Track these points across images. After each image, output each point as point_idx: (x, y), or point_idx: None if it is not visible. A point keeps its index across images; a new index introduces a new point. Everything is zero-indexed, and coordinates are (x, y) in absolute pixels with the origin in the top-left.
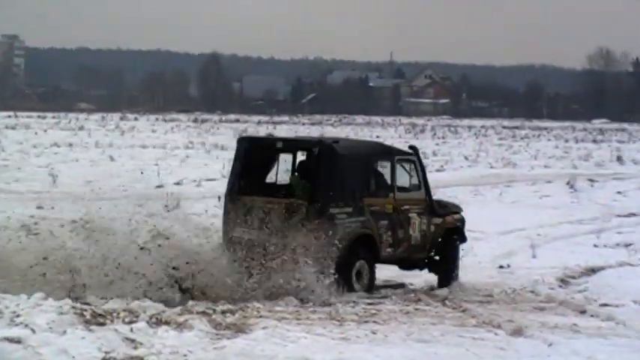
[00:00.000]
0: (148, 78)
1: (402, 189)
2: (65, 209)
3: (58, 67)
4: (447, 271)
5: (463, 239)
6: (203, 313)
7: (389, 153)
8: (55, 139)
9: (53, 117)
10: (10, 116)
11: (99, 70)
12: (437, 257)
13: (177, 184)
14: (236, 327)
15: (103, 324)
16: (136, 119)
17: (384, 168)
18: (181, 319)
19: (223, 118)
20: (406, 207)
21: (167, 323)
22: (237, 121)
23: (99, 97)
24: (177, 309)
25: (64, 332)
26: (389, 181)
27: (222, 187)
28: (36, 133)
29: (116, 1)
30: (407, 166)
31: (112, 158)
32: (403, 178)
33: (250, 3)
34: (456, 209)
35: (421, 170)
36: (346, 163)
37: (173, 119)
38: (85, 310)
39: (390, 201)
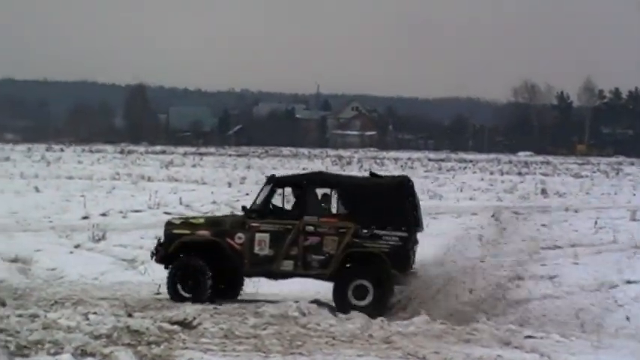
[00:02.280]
0: (74, 109)
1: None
2: None
3: None
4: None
5: None
6: (128, 344)
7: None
8: None
9: None
10: None
11: (25, 100)
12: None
13: (104, 215)
14: (161, 358)
15: (27, 356)
16: (62, 150)
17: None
18: (107, 350)
19: (149, 149)
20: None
21: (92, 355)
22: (164, 152)
23: (24, 128)
24: (103, 340)
25: None
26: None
27: (148, 218)
28: None
29: (42, 32)
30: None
31: (37, 189)
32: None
33: (177, 35)
34: None
35: None
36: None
37: (99, 150)
38: (10, 342)
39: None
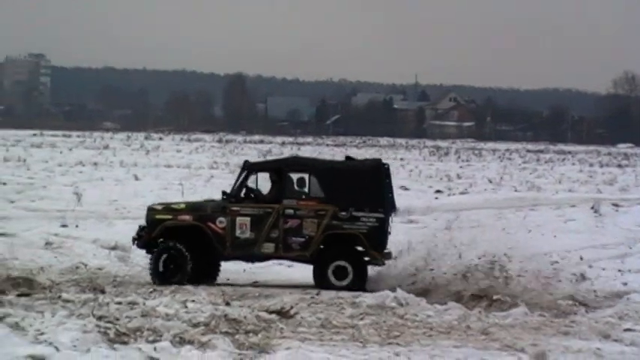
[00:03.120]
0: (173, 98)
1: None
2: (89, 227)
3: (83, 86)
4: None
5: None
6: (226, 332)
7: None
8: (80, 158)
9: (78, 136)
10: (35, 134)
11: (124, 89)
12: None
13: None
14: (259, 347)
15: (126, 343)
16: (160, 139)
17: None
18: (205, 338)
19: (247, 138)
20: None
21: (190, 342)
22: (262, 141)
23: (124, 117)
24: (201, 328)
25: (88, 350)
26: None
27: None
28: (61, 152)
29: (142, 21)
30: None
31: (136, 177)
32: None
33: (277, 24)
34: None
35: None
36: None
37: (197, 139)
38: (109, 329)
39: None
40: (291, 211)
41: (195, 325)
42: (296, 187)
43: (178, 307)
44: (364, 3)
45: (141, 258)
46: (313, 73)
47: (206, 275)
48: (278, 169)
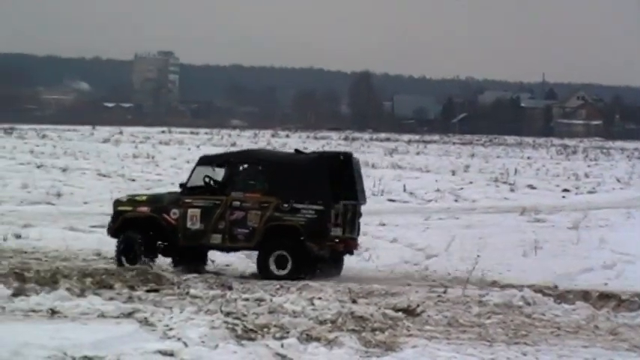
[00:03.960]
0: (300, 95)
1: None
2: None
3: (211, 83)
4: None
5: None
6: (353, 330)
7: None
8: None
9: (206, 133)
10: (164, 131)
11: (252, 87)
12: None
13: None
14: (386, 345)
15: (253, 339)
16: (287, 136)
17: None
18: (332, 335)
19: (374, 136)
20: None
21: (317, 339)
22: (388, 139)
23: (251, 114)
24: (328, 325)
25: (216, 346)
26: None
27: (372, 205)
28: (189, 149)
29: (269, 19)
30: None
31: None
32: None
33: (403, 22)
34: None
35: None
36: None
37: (324, 137)
38: (237, 325)
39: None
40: (237, 203)
41: (322, 323)
42: (243, 179)
43: (305, 304)
44: (492, 1)
45: None
46: (440, 71)
47: (193, 263)
48: (227, 162)
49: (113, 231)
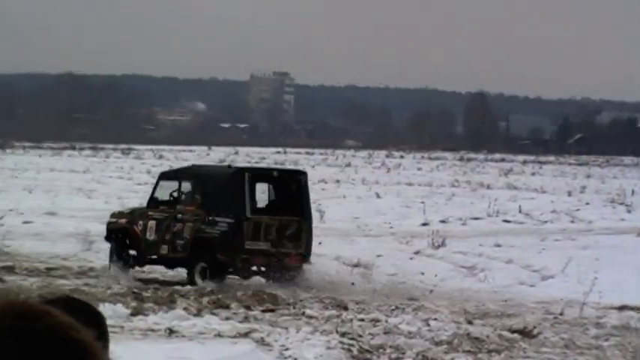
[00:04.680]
0: (415, 116)
1: None
2: (332, 245)
3: (326, 104)
4: None
5: None
6: (469, 351)
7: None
8: (322, 176)
9: (321, 153)
10: (279, 152)
11: (366, 107)
12: None
13: (443, 222)
14: None
15: (369, 359)
16: (401, 157)
17: None
18: (448, 357)
19: (489, 157)
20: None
21: None
22: (503, 160)
23: (365, 135)
24: (444, 346)
25: None
26: None
27: (487, 225)
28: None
29: (384, 41)
30: None
31: (378, 195)
32: None
33: (517, 43)
34: None
35: None
36: None
37: (438, 157)
38: (352, 345)
39: None
40: (180, 216)
41: (438, 344)
42: (186, 194)
43: (420, 324)
44: (606, 22)
45: (383, 276)
46: (555, 92)
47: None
48: (176, 177)
49: (105, 240)
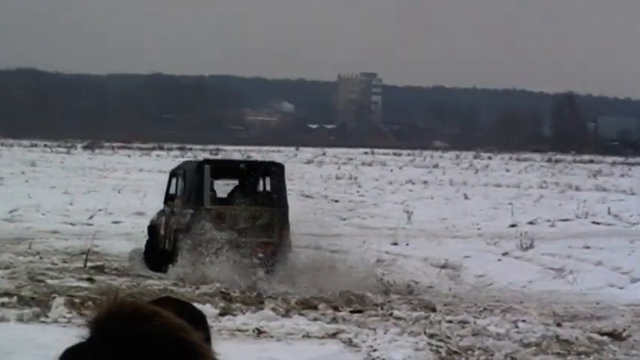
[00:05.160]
0: (503, 117)
1: None
2: (420, 246)
3: (413, 105)
4: None
5: None
6: (558, 354)
7: None
8: (409, 176)
9: (408, 154)
10: (366, 153)
11: (454, 108)
12: None
13: (531, 223)
14: None
15: None
16: (489, 158)
17: None
18: (536, 359)
19: (577, 158)
20: None
21: None
22: (591, 161)
23: (453, 135)
24: (532, 349)
25: None
26: None
27: (576, 227)
28: (391, 170)
29: (472, 41)
30: None
31: (465, 196)
32: None
33: (606, 45)
34: None
35: None
36: None
37: (526, 159)
38: (441, 347)
39: None
40: (173, 210)
41: (527, 346)
42: (179, 188)
43: (509, 326)
44: None
45: (471, 277)
46: None
47: None
48: (174, 173)
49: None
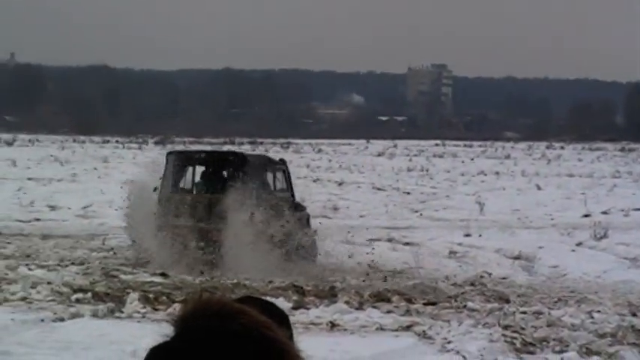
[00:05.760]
0: (575, 107)
1: None
2: (492, 237)
3: (484, 96)
4: None
5: None
6: (634, 344)
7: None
8: (481, 168)
9: (479, 146)
10: (437, 144)
11: (525, 98)
12: None
13: (605, 213)
14: None
15: (532, 352)
16: (562, 148)
17: None
18: (612, 349)
19: None
20: None
21: (598, 353)
22: None
23: (525, 126)
24: (608, 339)
25: None
26: None
27: None
28: (463, 162)
29: (541, 30)
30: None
31: (538, 187)
32: None
33: None
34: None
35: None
36: None
37: (599, 148)
38: (516, 339)
39: None
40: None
41: (602, 336)
42: None
43: (584, 317)
44: None
45: (545, 268)
46: None
47: None
48: None
49: None
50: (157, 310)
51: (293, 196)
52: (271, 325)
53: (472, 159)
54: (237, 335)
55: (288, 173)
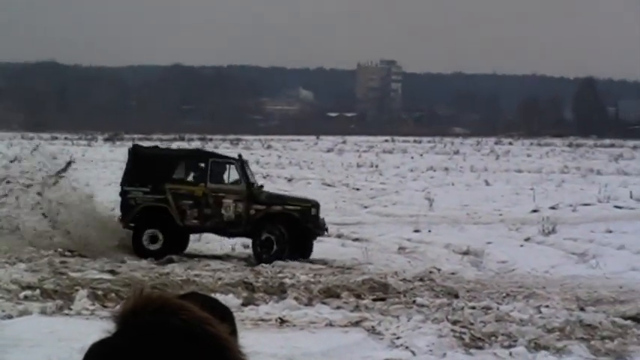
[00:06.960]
0: (523, 102)
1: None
2: (441, 232)
3: (433, 92)
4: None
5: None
6: (582, 338)
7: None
8: (430, 163)
9: (429, 141)
10: (387, 140)
11: (474, 94)
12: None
13: (553, 208)
14: (615, 353)
15: (481, 347)
16: (510, 143)
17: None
18: (560, 344)
19: (598, 142)
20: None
21: (546, 348)
22: (612, 145)
23: (474, 122)
24: (556, 334)
25: (444, 355)
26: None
27: (598, 211)
28: (412, 158)
29: (489, 28)
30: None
31: (487, 182)
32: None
33: (626, 28)
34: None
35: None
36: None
37: (548, 144)
38: (464, 334)
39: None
40: None
41: (550, 331)
42: None
43: (532, 312)
44: None
45: (494, 263)
46: None
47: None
48: None
49: None
50: (105, 307)
51: (249, 188)
52: (212, 320)
53: (421, 155)
54: (178, 331)
55: (244, 168)
